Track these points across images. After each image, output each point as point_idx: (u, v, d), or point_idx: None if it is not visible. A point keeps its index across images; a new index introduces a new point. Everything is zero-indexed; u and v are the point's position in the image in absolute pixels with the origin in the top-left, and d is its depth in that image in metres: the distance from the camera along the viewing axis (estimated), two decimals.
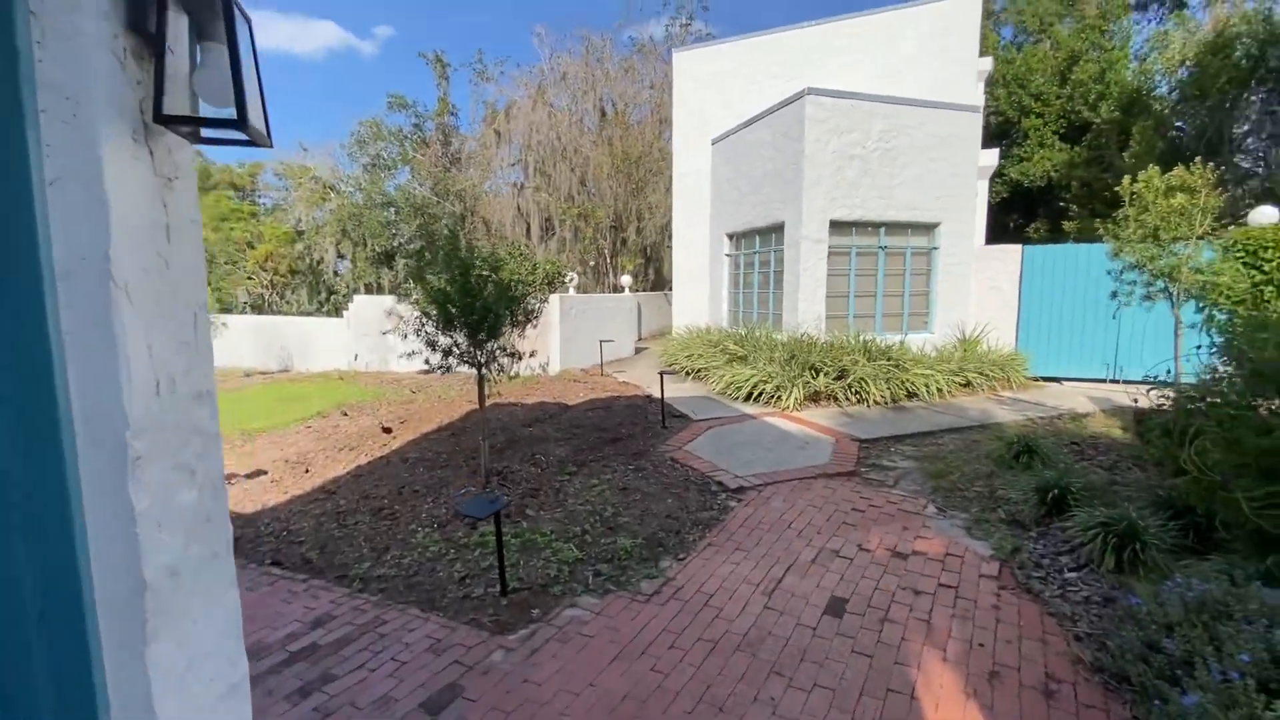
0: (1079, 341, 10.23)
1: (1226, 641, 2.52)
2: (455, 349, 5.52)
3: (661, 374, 7.74)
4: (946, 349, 10.21)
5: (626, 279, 17.61)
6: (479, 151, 21.40)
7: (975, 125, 10.44)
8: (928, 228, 10.53)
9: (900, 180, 9.99)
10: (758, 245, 11.31)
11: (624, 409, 8.44)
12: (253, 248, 36.01)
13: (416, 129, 39.42)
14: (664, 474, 5.86)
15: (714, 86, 14.01)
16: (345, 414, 10.88)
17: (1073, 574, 3.82)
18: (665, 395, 9.06)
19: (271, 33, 52.27)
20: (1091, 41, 19.10)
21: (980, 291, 10.91)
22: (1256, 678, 2.25)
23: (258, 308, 34.05)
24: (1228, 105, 15.14)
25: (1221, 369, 4.63)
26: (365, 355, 14.24)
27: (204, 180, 45.31)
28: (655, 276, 25.18)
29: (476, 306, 5.34)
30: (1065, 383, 10.34)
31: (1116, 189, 16.14)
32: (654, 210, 19.76)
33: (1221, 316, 9.44)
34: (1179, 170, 5.46)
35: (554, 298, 11.67)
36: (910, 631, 3.33)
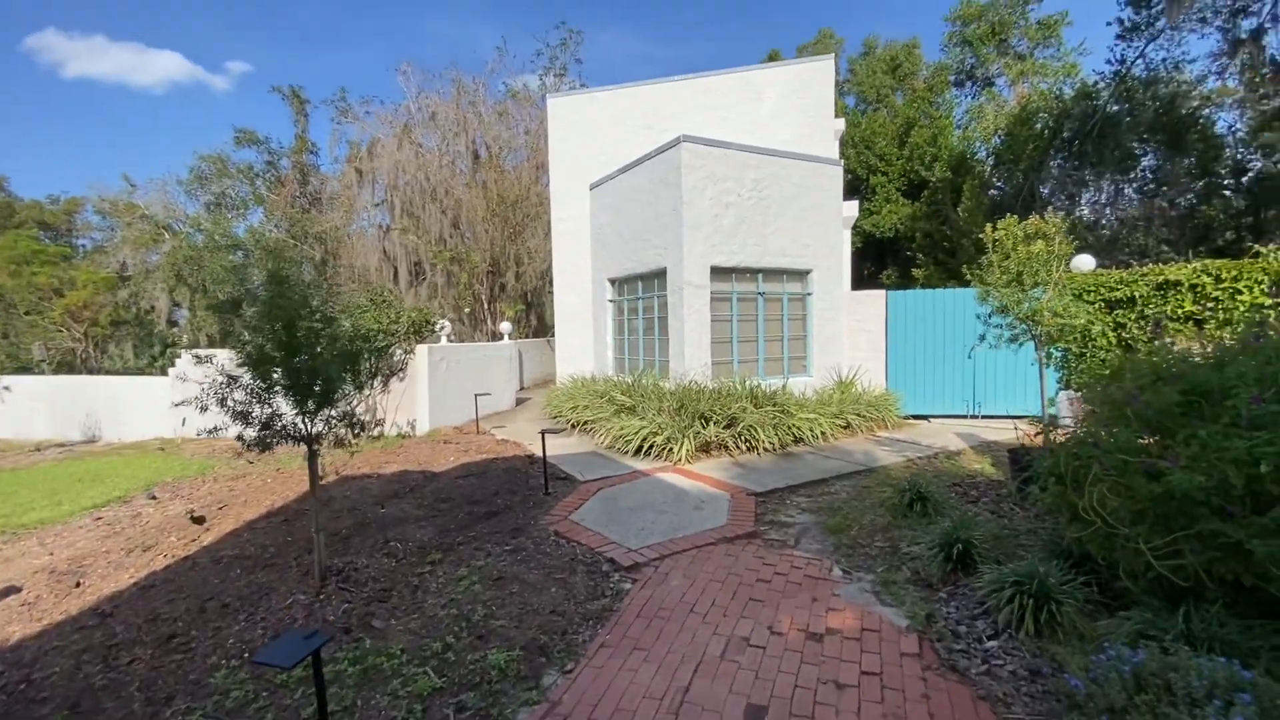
0: (941, 381, 10.86)
1: None
2: (277, 421, 4.43)
3: (544, 433, 6.97)
4: (826, 391, 10.38)
5: (506, 326, 16.71)
6: (341, 192, 19.72)
7: (837, 178, 11.00)
8: (801, 274, 10.81)
9: (774, 228, 10.19)
10: (640, 291, 11.01)
11: (501, 473, 7.52)
12: (61, 295, 30.78)
13: (270, 166, 36.28)
14: (547, 554, 5.06)
15: (589, 133, 13.88)
16: (154, 497, 8.95)
17: (992, 642, 3.54)
18: (549, 453, 8.28)
19: (101, 60, 46.22)
20: (922, 110, 21.59)
21: (851, 334, 11.33)
22: None
23: (68, 365, 28.91)
24: (1036, 168, 17.58)
25: (1085, 409, 4.79)
26: (197, 419, 12.03)
27: (5, 217, 38.46)
28: (537, 322, 24.38)
29: (304, 367, 4.33)
30: (933, 420, 10.87)
31: (956, 239, 18.03)
32: (533, 255, 19.14)
33: (1058, 353, 10.48)
34: (1035, 219, 5.79)
35: (421, 349, 10.55)
36: None
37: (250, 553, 5.52)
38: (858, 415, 9.69)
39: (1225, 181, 20.17)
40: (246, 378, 4.33)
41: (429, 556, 5.05)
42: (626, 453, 8.28)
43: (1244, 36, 12.92)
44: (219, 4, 50.15)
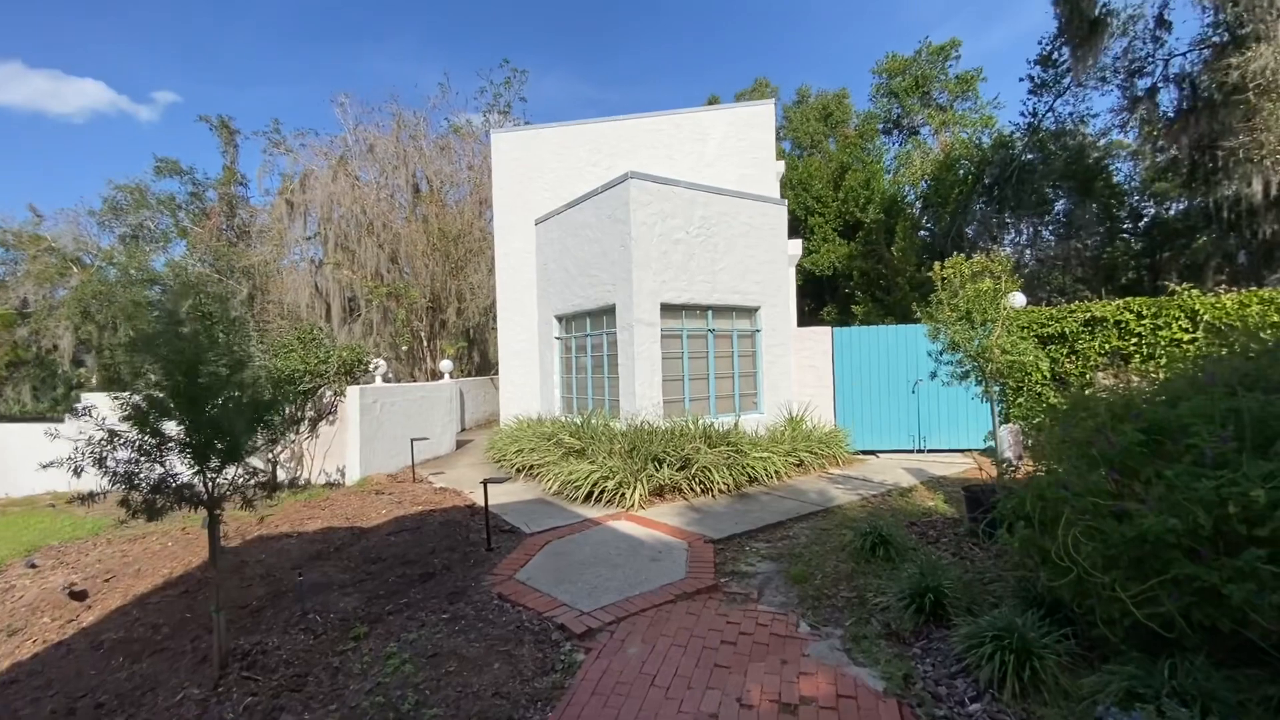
0: (887, 416, 10.97)
1: None
2: (169, 484, 3.83)
3: (485, 482, 6.46)
4: (777, 429, 10.28)
5: (446, 364, 16.00)
6: (272, 225, 18.70)
7: (782, 216, 11.17)
8: (750, 311, 10.81)
9: (722, 265, 10.18)
10: (589, 328, 10.72)
11: (439, 528, 6.93)
12: None
13: (194, 198, 34.41)
14: (490, 621, 4.56)
15: (534, 168, 13.69)
16: (33, 565, 7.83)
17: (976, 705, 3.31)
18: (492, 502, 7.75)
19: (13, 87, 43.17)
20: (854, 156, 22.65)
21: (799, 370, 11.36)
22: None
23: None
24: (961, 211, 18.61)
25: (1039, 446, 4.77)
26: (97, 471, 10.76)
27: None
28: (480, 360, 23.60)
29: (205, 421, 3.77)
30: (881, 455, 10.93)
31: (891, 277, 18.71)
32: (476, 291, 18.59)
33: (996, 388, 10.78)
34: (979, 257, 5.88)
35: (352, 390, 9.83)
36: None
37: (138, 634, 4.75)
38: (810, 453, 9.61)
39: (1125, 226, 22.03)
40: (134, 433, 3.73)
41: (353, 631, 4.45)
42: (576, 499, 7.83)
43: (1140, 94, 14.23)
44: (146, 35, 48.05)
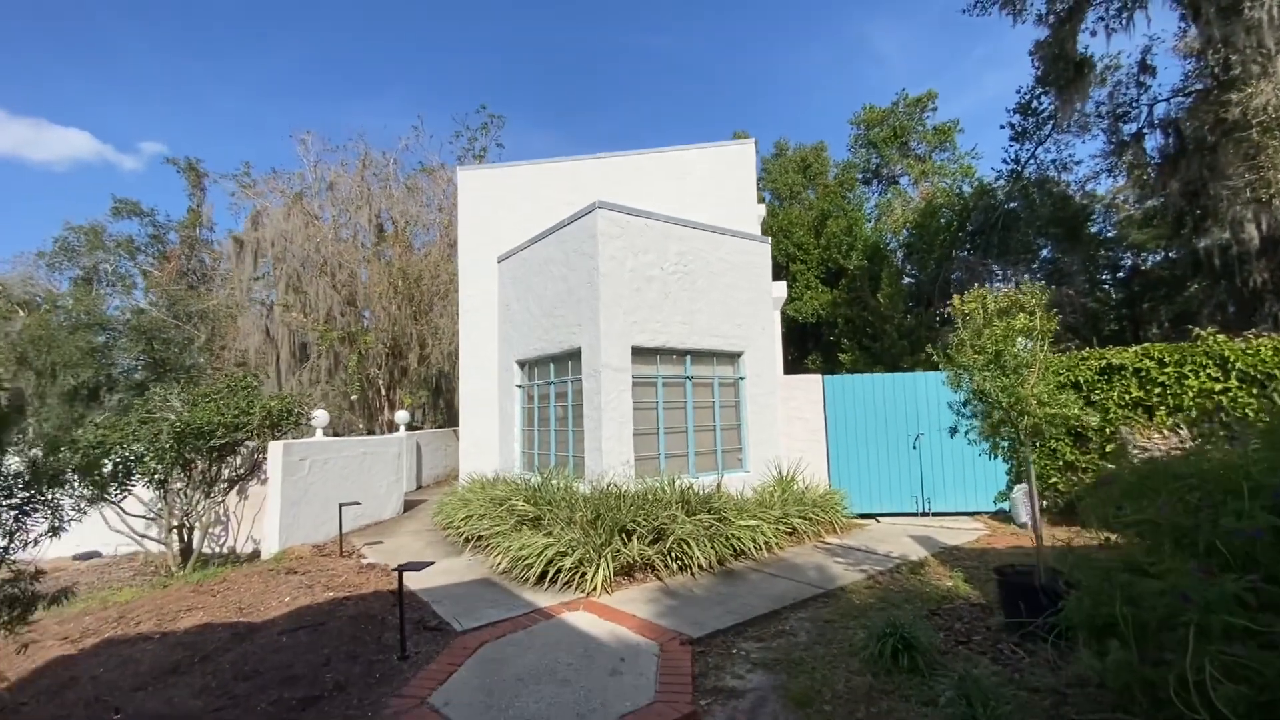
0: (886, 474, 9.87)
1: None
2: None
3: (400, 570, 5.15)
4: (765, 489, 9.10)
5: (402, 415, 14.68)
6: (227, 265, 17.53)
7: (766, 254, 10.33)
8: (732, 356, 9.79)
9: (701, 306, 9.20)
10: (553, 375, 9.58)
11: (348, 623, 5.54)
12: None
13: (155, 241, 33.17)
14: None
15: (504, 207, 12.80)
16: None
17: None
18: (428, 584, 6.42)
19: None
20: (835, 204, 22.33)
21: (787, 422, 10.28)
22: None
23: None
24: (946, 257, 18.14)
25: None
26: None
27: None
28: (447, 410, 22.15)
29: None
30: (881, 519, 9.76)
31: (878, 324, 17.97)
32: (440, 336, 17.41)
33: (1004, 444, 9.77)
34: (1007, 290, 4.91)
35: (274, 447, 8.48)
36: None
37: None
38: (803, 518, 8.41)
39: (1104, 276, 21.83)
40: None
41: None
42: (527, 580, 6.50)
43: (1126, 139, 14.00)
44: (131, 87, 47.85)
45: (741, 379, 9.79)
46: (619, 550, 6.52)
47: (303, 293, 15.65)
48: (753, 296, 9.96)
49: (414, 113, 50.52)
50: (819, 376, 10.22)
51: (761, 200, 23.90)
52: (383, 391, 16.91)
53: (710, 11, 54.56)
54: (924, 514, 9.74)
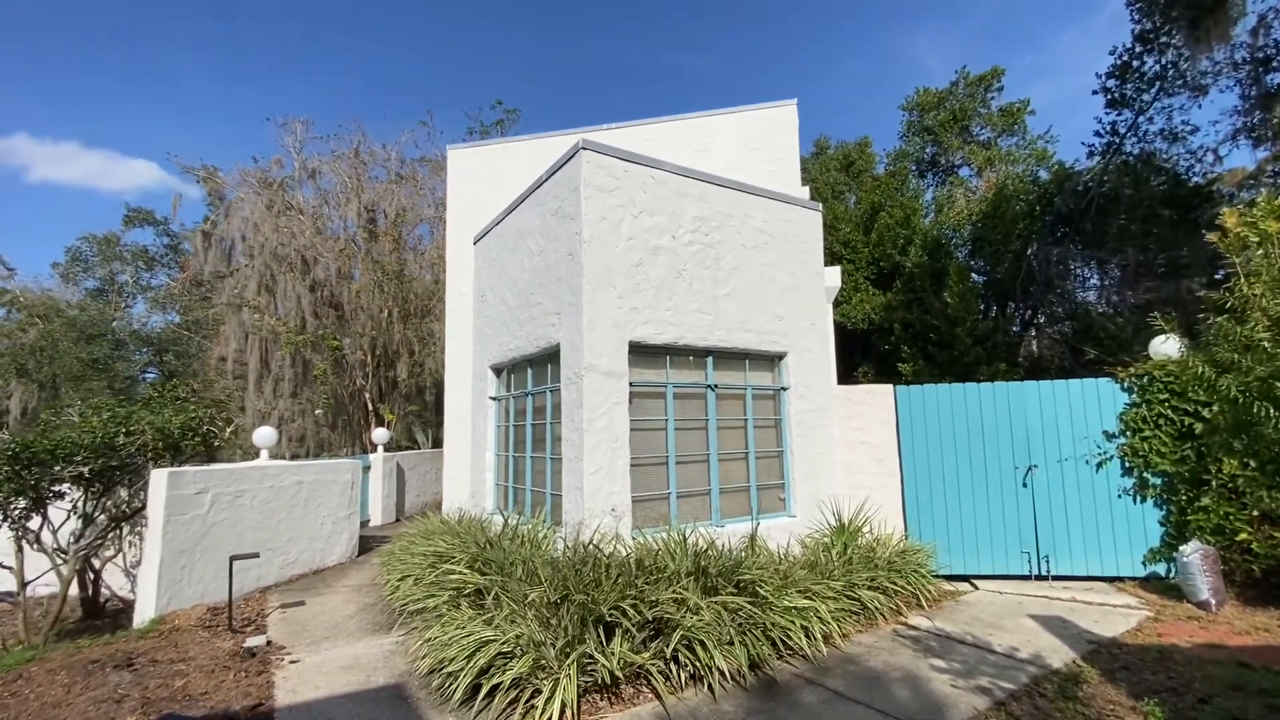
0: (984, 520, 7.20)
1: None
2: None
3: None
4: (817, 543, 6.58)
5: (380, 434, 12.60)
6: (201, 265, 15.95)
7: (817, 227, 7.86)
8: (771, 359, 7.33)
9: (728, 290, 6.78)
10: (530, 383, 7.28)
11: None
12: None
13: (171, 250, 32.55)
14: None
15: (499, 187, 10.67)
16: None
17: None
18: (305, 693, 4.18)
19: (74, 166, 44.65)
20: (887, 195, 19.65)
21: (847, 448, 7.72)
22: None
23: None
24: (1025, 249, 15.29)
25: None
26: None
27: None
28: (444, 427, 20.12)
29: None
30: (980, 584, 7.08)
31: (946, 329, 15.16)
32: (437, 343, 15.39)
33: (1156, 481, 7.02)
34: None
35: (157, 476, 6.37)
36: None
37: None
38: (874, 588, 5.86)
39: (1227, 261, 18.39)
40: None
41: None
42: (452, 696, 4.15)
43: (1272, 90, 11.05)
44: (192, 117, 49.12)
45: (784, 389, 7.31)
46: (591, 659, 4.11)
47: (274, 292, 13.88)
48: (799, 281, 7.50)
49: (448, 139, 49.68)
50: (889, 387, 7.65)
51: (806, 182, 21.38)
52: (369, 406, 14.94)
53: (745, 25, 52.70)
54: (1041, 577, 7.01)
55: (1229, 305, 5.02)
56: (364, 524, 12.30)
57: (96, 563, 7.80)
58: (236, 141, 51.23)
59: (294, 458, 15.00)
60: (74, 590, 7.81)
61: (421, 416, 15.63)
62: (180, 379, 24.42)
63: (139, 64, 48.33)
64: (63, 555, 6.79)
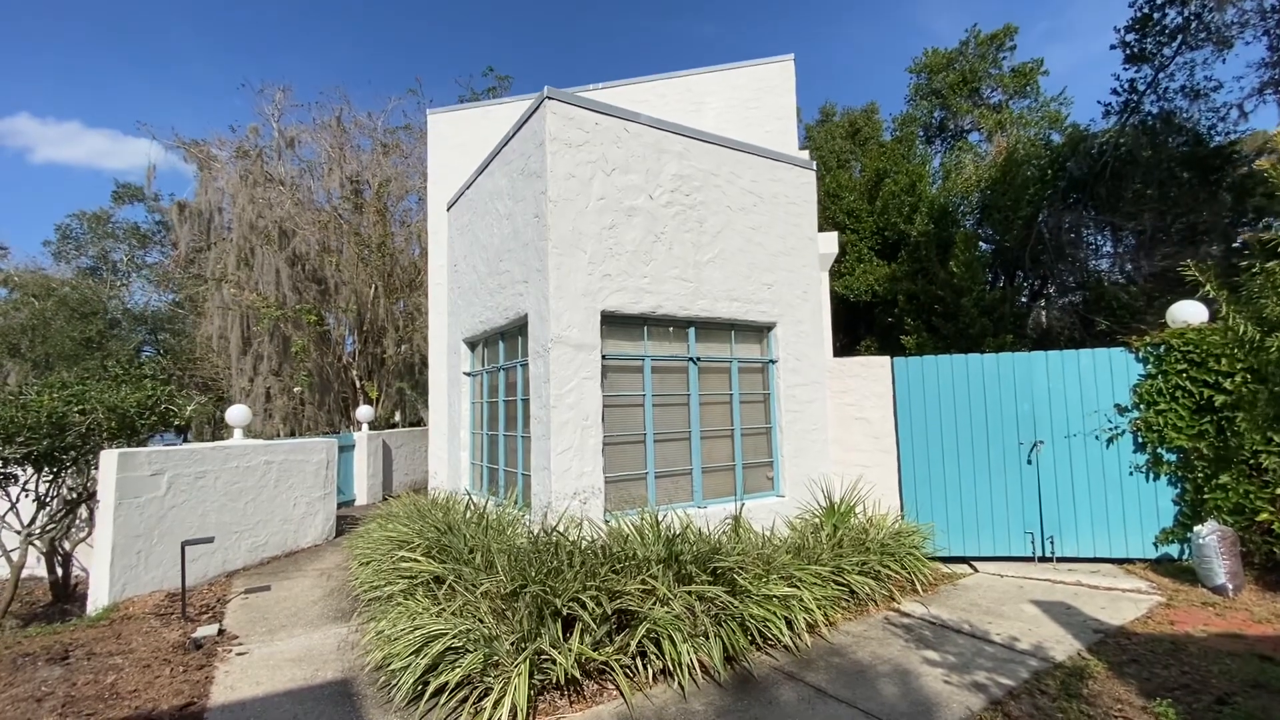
0: (986, 499, 6.79)
1: None
2: None
3: None
4: (806, 525, 6.19)
5: (364, 412, 12.28)
6: (178, 239, 15.50)
7: (810, 188, 7.32)
8: (759, 330, 6.86)
9: (712, 255, 6.30)
10: (502, 357, 6.86)
11: None
12: None
13: (162, 227, 32.08)
14: None
15: (481, 154, 10.12)
16: None
17: None
18: (247, 689, 3.88)
19: (76, 146, 43.99)
20: (892, 162, 18.88)
21: (840, 425, 7.29)
22: None
23: None
24: (1035, 216, 14.61)
25: None
26: None
27: None
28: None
29: None
30: (979, 566, 6.70)
31: (951, 299, 14.59)
32: (426, 316, 14.96)
33: (1171, 457, 6.56)
34: None
35: (107, 457, 6.03)
36: None
37: None
38: (865, 573, 5.48)
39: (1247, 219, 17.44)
40: None
41: None
42: (397, 693, 3.82)
43: None
44: (195, 95, 48.05)
45: (773, 363, 6.86)
46: (545, 656, 3.75)
47: (252, 266, 13.45)
48: (791, 245, 7.00)
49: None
50: (886, 359, 7.18)
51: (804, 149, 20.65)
52: (357, 384, 14.61)
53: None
54: (1044, 559, 6.62)
55: None
56: (349, 504, 12.04)
57: (67, 545, 7.54)
58: (229, 113, 50.29)
59: (287, 435, 14.74)
60: (46, 574, 7.59)
61: (410, 393, 15.31)
62: (174, 357, 24.18)
63: (132, 33, 46.99)
64: (20, 538, 6.50)
